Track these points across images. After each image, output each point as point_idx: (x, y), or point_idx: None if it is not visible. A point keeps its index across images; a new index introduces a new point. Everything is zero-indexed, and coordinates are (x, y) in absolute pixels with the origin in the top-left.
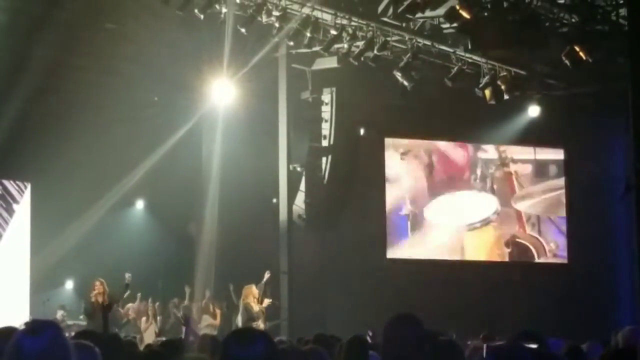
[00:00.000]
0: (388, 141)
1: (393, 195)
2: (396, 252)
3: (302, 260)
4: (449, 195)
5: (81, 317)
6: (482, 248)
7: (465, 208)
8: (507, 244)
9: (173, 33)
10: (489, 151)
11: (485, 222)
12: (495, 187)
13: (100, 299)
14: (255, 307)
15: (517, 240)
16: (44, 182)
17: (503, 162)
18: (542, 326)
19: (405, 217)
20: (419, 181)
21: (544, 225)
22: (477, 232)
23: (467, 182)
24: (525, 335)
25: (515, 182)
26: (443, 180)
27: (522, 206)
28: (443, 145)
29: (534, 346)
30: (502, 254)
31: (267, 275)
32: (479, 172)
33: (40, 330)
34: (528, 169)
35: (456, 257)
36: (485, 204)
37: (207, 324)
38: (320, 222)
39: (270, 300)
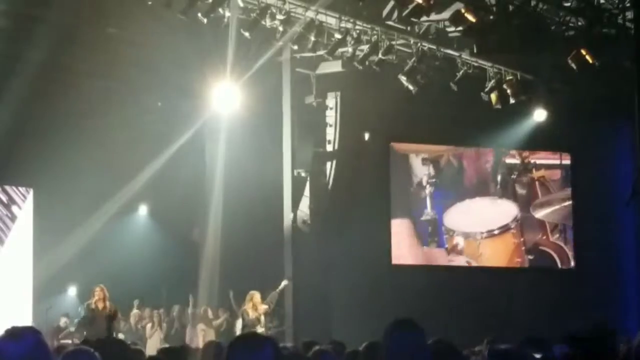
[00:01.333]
0: (411, 146)
1: (414, 200)
2: (413, 257)
3: (307, 266)
4: (468, 201)
5: (75, 320)
6: (500, 256)
7: (484, 215)
8: (528, 251)
9: (176, 37)
10: (512, 156)
11: (504, 230)
12: (518, 193)
13: (100, 305)
14: (252, 314)
15: (540, 247)
16: (46, 188)
17: (526, 168)
18: (548, 332)
19: (426, 223)
20: (442, 187)
21: (570, 233)
22: (495, 240)
23: (487, 188)
24: (530, 341)
25: (538, 189)
26: (465, 186)
27: (541, 214)
28: (465, 150)
29: (538, 356)
30: (522, 262)
31: (284, 283)
32: (499, 178)
33: (21, 335)
34: (557, 174)
35: (473, 264)
36: (504, 211)
37: (201, 329)
38: (325, 227)
39: (267, 306)
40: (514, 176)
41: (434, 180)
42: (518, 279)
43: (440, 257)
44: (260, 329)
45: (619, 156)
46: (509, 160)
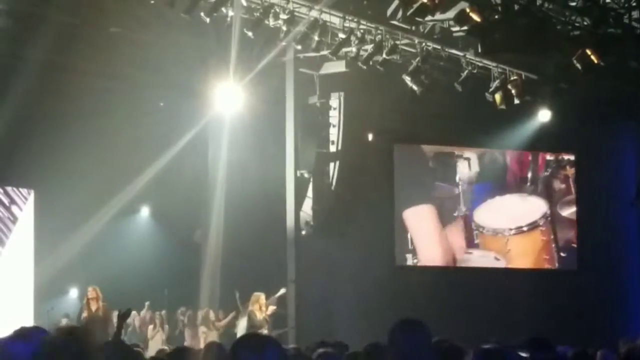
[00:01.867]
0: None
1: (445, 196)
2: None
3: (310, 267)
4: (498, 198)
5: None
6: (528, 253)
7: (514, 212)
8: (560, 249)
9: (178, 37)
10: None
11: (533, 227)
12: (551, 190)
13: (93, 306)
14: (260, 316)
15: (572, 245)
16: (47, 189)
17: (560, 165)
18: (550, 333)
19: (460, 219)
20: (472, 183)
21: None
22: (523, 237)
23: (517, 184)
24: (534, 341)
25: (572, 186)
26: (496, 182)
27: (567, 212)
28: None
29: (524, 355)
30: (550, 259)
31: (282, 291)
32: (529, 174)
33: (29, 335)
34: None
35: (501, 261)
36: (534, 207)
37: (202, 332)
38: (328, 229)
39: (275, 307)
40: (546, 173)
41: (475, 176)
42: (523, 279)
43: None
44: (266, 331)
45: (624, 157)
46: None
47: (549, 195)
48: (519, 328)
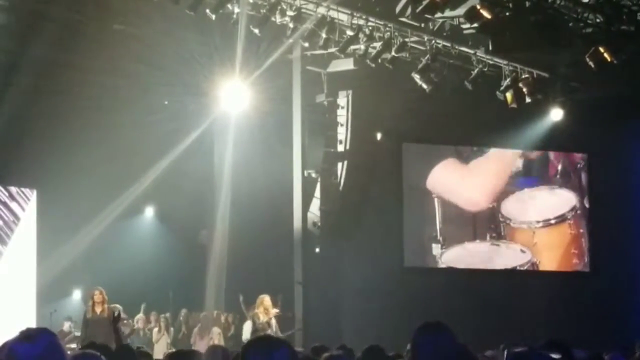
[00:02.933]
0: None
1: (471, 190)
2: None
3: (317, 269)
4: (527, 190)
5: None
6: (555, 246)
7: (542, 203)
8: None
9: (183, 34)
10: None
11: (561, 219)
12: (581, 183)
13: (98, 309)
14: (263, 318)
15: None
16: (50, 189)
17: None
18: (563, 335)
19: (489, 210)
20: (500, 176)
21: None
22: (551, 230)
23: (547, 177)
24: (551, 344)
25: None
26: (549, 176)
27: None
28: None
29: (556, 356)
30: (579, 254)
31: (275, 311)
32: (559, 167)
33: (35, 337)
34: None
35: (527, 253)
36: (563, 200)
37: (217, 333)
38: (336, 230)
39: (278, 310)
40: (580, 165)
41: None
42: (533, 280)
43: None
44: (270, 333)
45: (637, 156)
46: None
47: (580, 188)
48: (533, 330)
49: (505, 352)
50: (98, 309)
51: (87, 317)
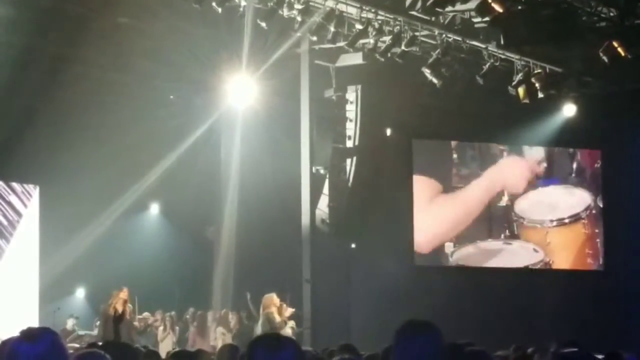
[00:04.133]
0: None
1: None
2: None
3: (326, 267)
4: (541, 189)
5: (97, 323)
6: (569, 246)
7: (556, 202)
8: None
9: (189, 27)
10: None
11: (575, 219)
12: (596, 182)
13: (120, 308)
14: (278, 317)
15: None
16: (53, 185)
17: None
18: (576, 336)
19: (504, 209)
20: (517, 173)
21: None
22: (565, 229)
23: (563, 176)
24: (564, 345)
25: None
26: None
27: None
28: None
29: (600, 357)
30: (594, 254)
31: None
32: (574, 165)
33: (37, 336)
34: None
35: (540, 253)
36: (577, 199)
37: (220, 333)
38: (345, 227)
39: (293, 310)
40: (597, 165)
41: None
42: (546, 280)
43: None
44: (288, 330)
45: None
46: None
47: (595, 187)
48: (546, 330)
49: (551, 355)
50: (119, 307)
51: (109, 314)
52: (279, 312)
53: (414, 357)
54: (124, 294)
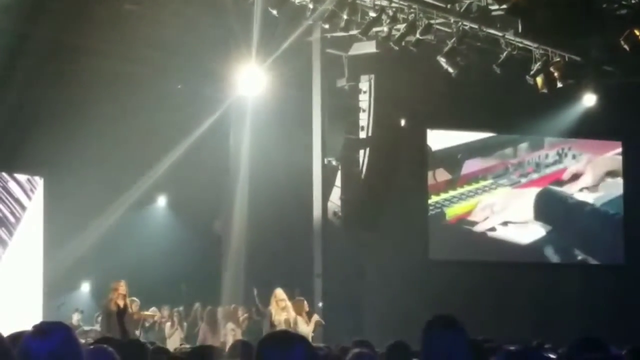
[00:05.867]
0: None
1: None
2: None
3: (338, 261)
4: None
5: (99, 319)
6: None
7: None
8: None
9: (198, 15)
10: None
11: None
12: None
13: (121, 303)
14: (279, 315)
15: None
16: (58, 177)
17: None
18: (597, 331)
19: None
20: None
21: None
22: None
23: None
24: (586, 342)
25: None
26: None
27: None
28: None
29: (553, 356)
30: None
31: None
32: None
33: (50, 331)
34: None
35: None
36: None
37: (230, 329)
38: (358, 220)
39: (319, 319)
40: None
41: None
42: (568, 274)
43: None
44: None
45: None
46: None
47: None
48: (565, 325)
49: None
50: (121, 303)
51: (111, 309)
52: (295, 310)
53: (443, 352)
54: (122, 289)
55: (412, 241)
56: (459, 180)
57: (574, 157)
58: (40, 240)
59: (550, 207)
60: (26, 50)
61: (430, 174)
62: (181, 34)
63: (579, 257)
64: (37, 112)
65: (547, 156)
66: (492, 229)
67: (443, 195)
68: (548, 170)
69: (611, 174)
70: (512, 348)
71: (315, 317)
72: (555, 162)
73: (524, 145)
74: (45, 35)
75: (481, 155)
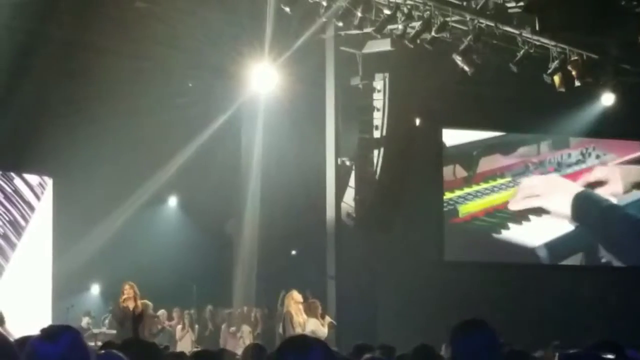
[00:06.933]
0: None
1: None
2: None
3: (351, 262)
4: None
5: (106, 321)
6: None
7: None
8: None
9: (209, 12)
10: None
11: None
12: None
13: (131, 305)
14: (298, 318)
15: None
16: (67, 177)
17: None
18: (615, 333)
19: None
20: None
21: None
22: None
23: None
24: (604, 345)
25: None
26: None
27: None
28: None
29: (611, 356)
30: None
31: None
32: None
33: (57, 335)
34: None
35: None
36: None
37: (248, 331)
38: (371, 221)
39: (332, 321)
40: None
41: None
42: (583, 275)
43: None
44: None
45: None
46: None
47: None
48: (583, 328)
49: (557, 355)
50: (131, 305)
51: (120, 315)
52: (310, 312)
53: (472, 356)
54: (126, 291)
55: (427, 242)
56: (474, 177)
57: (597, 157)
58: (49, 241)
59: (588, 208)
60: (37, 48)
61: (449, 170)
62: (193, 32)
63: (603, 260)
64: (46, 111)
65: (569, 155)
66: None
67: (457, 193)
68: (570, 170)
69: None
70: (572, 352)
71: (328, 319)
72: (578, 162)
73: (546, 143)
74: (56, 34)
75: (500, 152)
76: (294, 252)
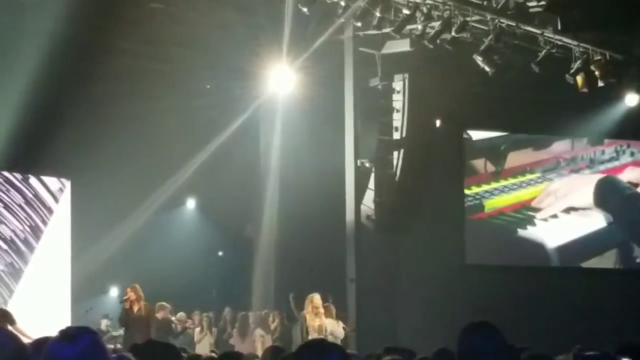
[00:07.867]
0: None
1: None
2: None
3: (371, 265)
4: None
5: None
6: None
7: None
8: None
9: (226, 13)
10: None
11: None
12: None
13: (135, 307)
14: (314, 321)
15: None
16: (85, 179)
17: None
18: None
19: None
20: None
21: None
22: None
23: None
24: (628, 348)
25: None
26: None
27: None
28: None
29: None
30: None
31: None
32: None
33: (76, 336)
34: None
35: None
36: None
37: (259, 335)
38: (391, 224)
39: (347, 328)
40: None
41: None
42: (608, 278)
43: None
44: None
45: None
46: None
47: None
48: (606, 332)
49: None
50: (134, 307)
51: (124, 318)
52: (314, 314)
53: (476, 352)
54: (130, 294)
55: (448, 245)
56: (502, 172)
57: (632, 154)
58: (67, 243)
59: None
60: (54, 50)
61: (480, 163)
62: (210, 32)
63: (638, 260)
64: (64, 113)
65: (603, 152)
66: (554, 216)
67: (485, 187)
68: (602, 167)
69: None
70: (589, 354)
71: (341, 324)
72: (611, 159)
73: (581, 140)
74: (72, 35)
75: (532, 147)
76: (311, 255)
